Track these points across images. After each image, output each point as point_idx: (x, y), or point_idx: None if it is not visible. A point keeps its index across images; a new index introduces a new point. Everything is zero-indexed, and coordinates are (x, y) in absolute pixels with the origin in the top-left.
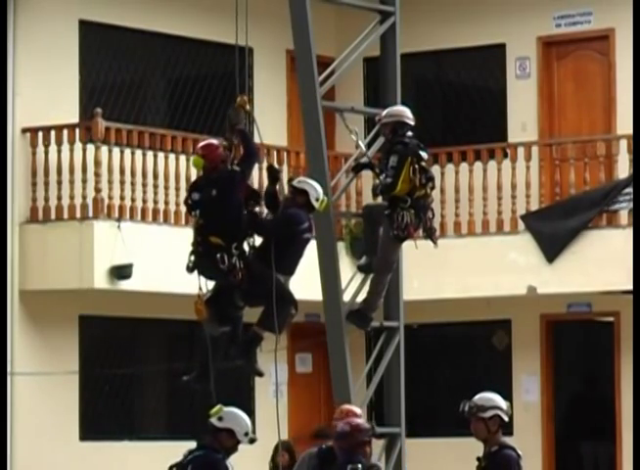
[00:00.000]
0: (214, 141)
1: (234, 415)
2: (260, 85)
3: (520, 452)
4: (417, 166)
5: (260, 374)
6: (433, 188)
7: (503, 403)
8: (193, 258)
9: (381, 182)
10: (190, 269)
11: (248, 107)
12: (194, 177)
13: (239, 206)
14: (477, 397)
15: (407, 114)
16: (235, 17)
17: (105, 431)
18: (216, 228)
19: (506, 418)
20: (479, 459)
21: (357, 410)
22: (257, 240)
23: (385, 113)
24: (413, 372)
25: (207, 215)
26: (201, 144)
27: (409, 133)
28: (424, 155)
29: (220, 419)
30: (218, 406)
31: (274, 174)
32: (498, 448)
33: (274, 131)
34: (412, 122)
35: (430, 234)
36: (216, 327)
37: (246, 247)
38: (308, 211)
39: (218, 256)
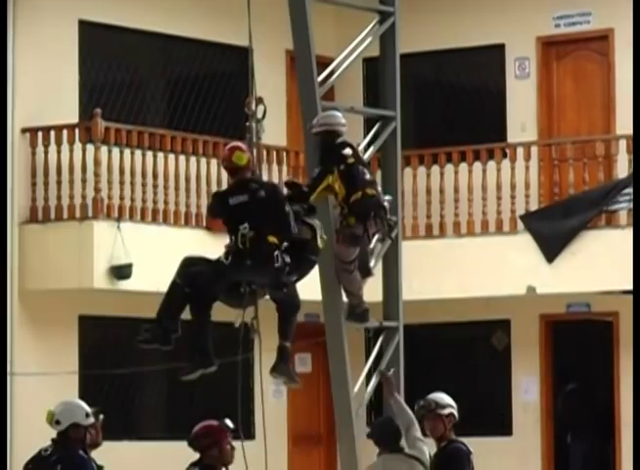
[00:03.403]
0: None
1: (67, 408)
2: (260, 85)
3: (471, 449)
4: (341, 168)
5: (297, 382)
6: (374, 188)
7: (454, 403)
8: (231, 261)
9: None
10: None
11: (247, 109)
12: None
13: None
14: (430, 396)
15: (334, 119)
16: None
17: (105, 431)
18: (273, 228)
19: (457, 417)
20: (429, 455)
21: None
22: None
23: (314, 121)
24: (412, 372)
25: (261, 216)
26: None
27: (339, 139)
28: (346, 151)
29: (58, 423)
30: (48, 411)
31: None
32: (447, 443)
33: (274, 131)
34: (342, 128)
35: (385, 232)
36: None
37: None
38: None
39: (275, 254)
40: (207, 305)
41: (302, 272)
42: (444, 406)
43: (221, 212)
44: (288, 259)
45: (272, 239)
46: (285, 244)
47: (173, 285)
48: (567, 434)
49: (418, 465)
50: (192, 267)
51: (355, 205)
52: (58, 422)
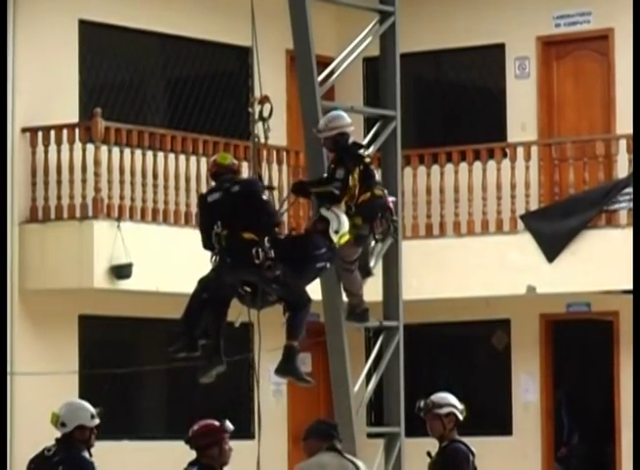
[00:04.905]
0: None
1: (72, 410)
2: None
3: (473, 449)
4: (361, 168)
5: (308, 381)
6: (380, 189)
7: (458, 403)
8: (217, 260)
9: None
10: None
11: (250, 109)
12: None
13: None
14: (432, 396)
15: (345, 121)
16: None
17: (105, 431)
18: (248, 223)
19: (461, 417)
20: (429, 454)
21: None
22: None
23: (322, 125)
24: (412, 372)
25: (234, 212)
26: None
27: (350, 140)
28: (362, 151)
29: (64, 425)
30: (52, 413)
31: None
32: (448, 443)
33: (274, 131)
34: (351, 128)
35: (390, 233)
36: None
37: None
38: (328, 240)
39: (254, 251)
40: (221, 307)
41: (307, 269)
42: (442, 406)
43: (204, 214)
44: (272, 254)
45: (248, 235)
46: (266, 238)
47: (194, 292)
48: (567, 434)
49: (353, 468)
50: (211, 273)
51: (364, 205)
52: (63, 424)
